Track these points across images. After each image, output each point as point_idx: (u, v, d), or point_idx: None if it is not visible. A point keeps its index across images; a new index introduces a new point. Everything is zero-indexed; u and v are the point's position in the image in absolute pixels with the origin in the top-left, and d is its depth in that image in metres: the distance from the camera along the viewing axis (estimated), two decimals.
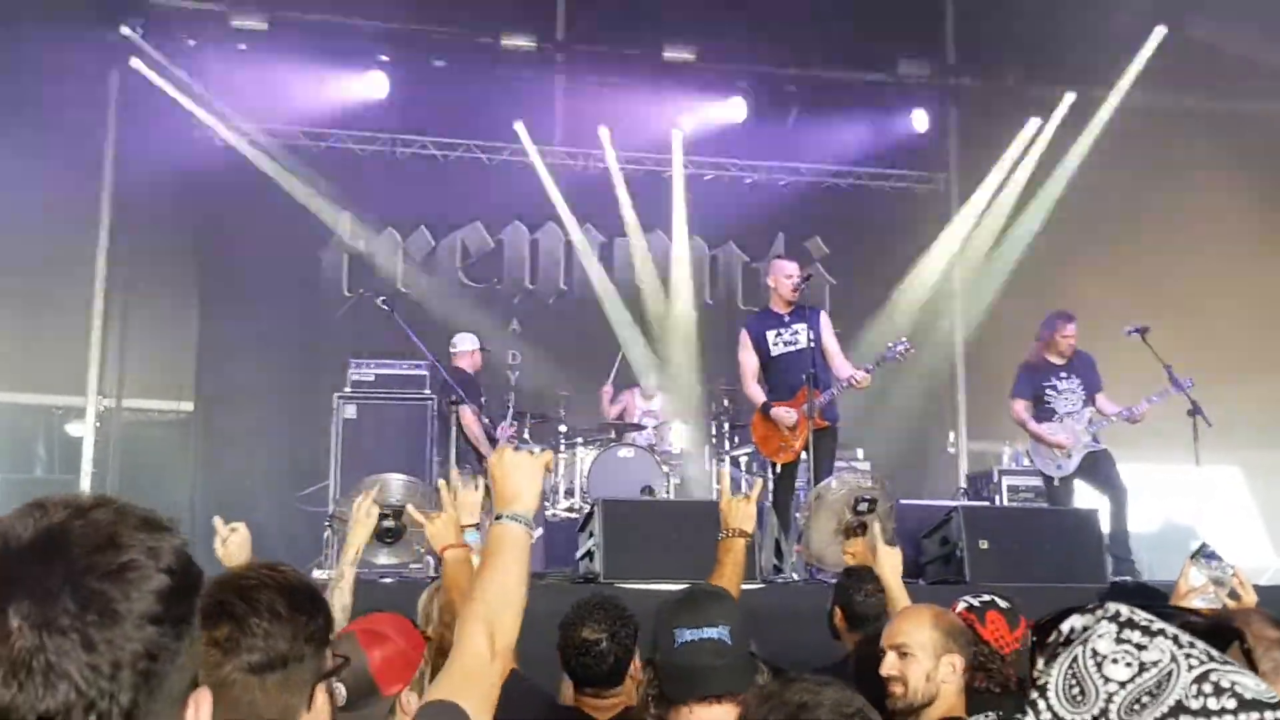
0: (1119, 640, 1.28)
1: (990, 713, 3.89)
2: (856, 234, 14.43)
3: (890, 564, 4.22)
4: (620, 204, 14.10)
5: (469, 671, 2.07)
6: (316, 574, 7.60)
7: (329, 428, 9.93)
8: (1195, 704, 1.21)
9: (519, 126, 13.62)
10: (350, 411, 9.79)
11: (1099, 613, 1.31)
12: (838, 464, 9.82)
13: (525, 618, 4.59)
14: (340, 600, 4.02)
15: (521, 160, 13.85)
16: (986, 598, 4.16)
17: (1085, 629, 1.31)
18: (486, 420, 10.24)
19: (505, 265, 13.95)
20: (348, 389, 9.97)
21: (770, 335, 8.20)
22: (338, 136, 13.49)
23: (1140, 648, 1.27)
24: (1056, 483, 8.86)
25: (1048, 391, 8.97)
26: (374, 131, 13.54)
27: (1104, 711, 1.25)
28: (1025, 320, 13.80)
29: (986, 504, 9.83)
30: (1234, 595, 3.51)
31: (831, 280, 14.42)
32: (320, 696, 1.94)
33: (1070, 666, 1.30)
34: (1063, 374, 8.99)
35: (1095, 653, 1.29)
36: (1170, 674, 1.24)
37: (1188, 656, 1.25)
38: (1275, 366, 13.66)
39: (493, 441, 10.24)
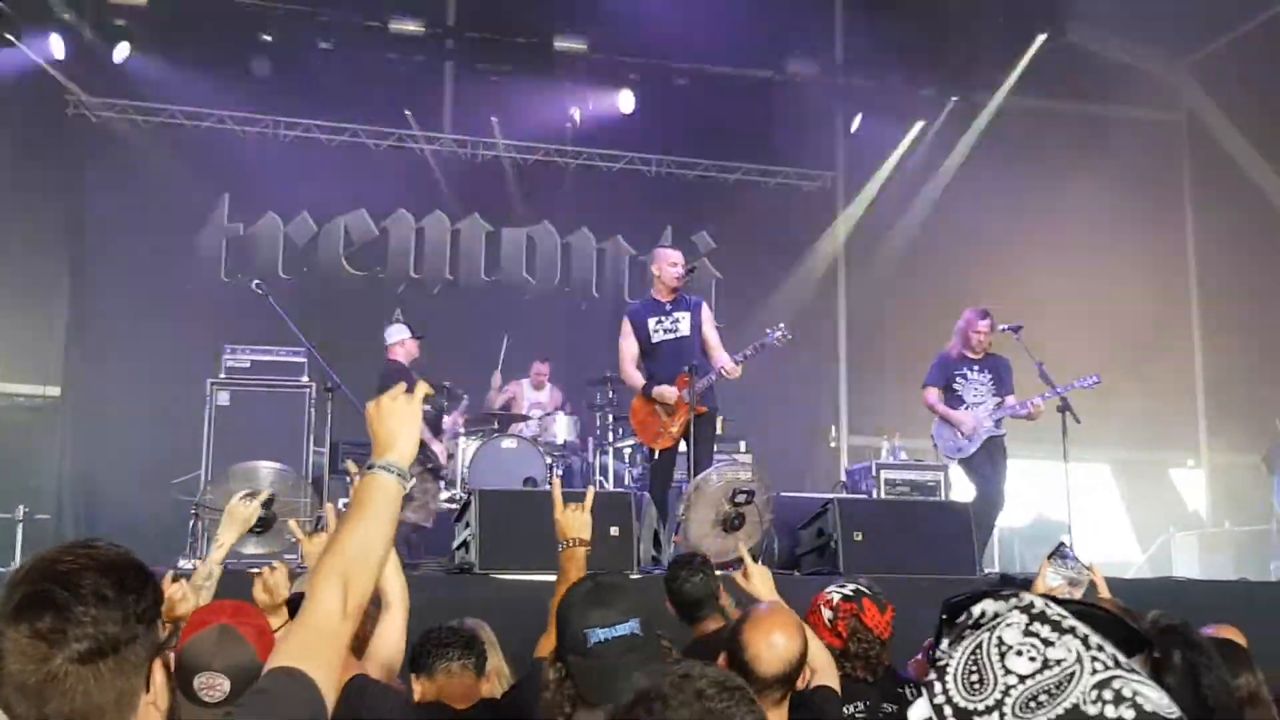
0: (1026, 632, 1.26)
1: (859, 702, 3.90)
2: (744, 229, 14.50)
3: (763, 585, 4.19)
4: (509, 194, 14.03)
5: (318, 631, 1.96)
6: (182, 564, 7.41)
7: (202, 414, 9.71)
8: (1093, 710, 1.19)
9: (407, 113, 13.45)
10: (224, 398, 9.57)
11: (1012, 601, 1.28)
12: (719, 456, 9.88)
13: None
14: (204, 599, 3.87)
15: (409, 147, 13.71)
16: (852, 588, 4.17)
17: (995, 616, 1.29)
18: (428, 408, 9.89)
19: (389, 253, 13.79)
20: (222, 375, 9.75)
21: (651, 322, 8.17)
22: (218, 117, 13.19)
23: (1047, 643, 1.25)
24: (956, 464, 9.06)
25: (957, 379, 9.11)
26: (256, 113, 13.26)
27: (999, 703, 1.23)
28: (908, 319, 14.12)
29: (862, 496, 9.95)
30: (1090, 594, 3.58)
31: (718, 274, 14.48)
32: (159, 674, 1.86)
33: (973, 653, 1.27)
34: (975, 367, 9.14)
35: (1001, 641, 1.26)
36: (1072, 675, 1.22)
37: (1094, 659, 1.22)
38: (1142, 367, 14.05)
39: (438, 432, 10.08)
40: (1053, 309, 12.75)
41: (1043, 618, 1.27)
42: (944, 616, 1.38)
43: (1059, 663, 1.23)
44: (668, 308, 8.21)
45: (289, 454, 8.79)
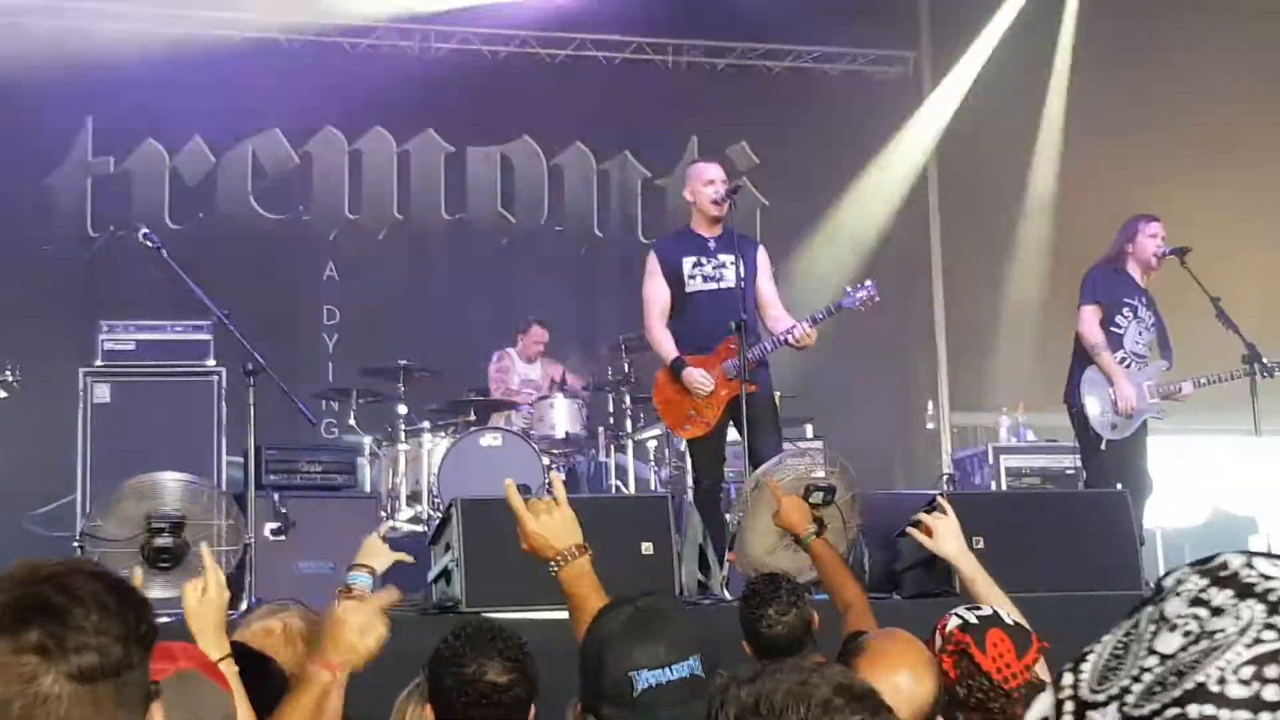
0: (1195, 600, 1.22)
1: None
2: (797, 137, 14.53)
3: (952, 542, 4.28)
4: (472, 100, 14.08)
5: None
6: None
7: (73, 417, 9.75)
8: (1237, 690, 1.14)
9: None
10: (103, 393, 9.60)
11: (1205, 565, 1.25)
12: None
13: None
14: None
15: (334, 40, 13.74)
16: (987, 611, 4.19)
17: (1170, 587, 1.25)
18: None
19: (315, 187, 13.85)
20: (98, 362, 9.79)
21: (688, 264, 8.16)
22: (74, 10, 13.21)
23: (1216, 612, 1.20)
24: (1104, 446, 8.96)
25: (1124, 311, 8.98)
26: (125, 2, 13.28)
27: (1123, 692, 1.21)
28: (1032, 248, 14.10)
29: (981, 491, 10.00)
30: None
31: (763, 200, 14.49)
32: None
33: (1127, 633, 1.26)
34: (1144, 298, 9.04)
35: (1161, 616, 1.24)
36: (1218, 649, 1.18)
37: (1268, 627, 1.17)
38: None
39: None
40: (1222, 227, 12.69)
41: (1229, 581, 1.22)
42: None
43: (1214, 634, 1.19)
44: (710, 245, 8.20)
45: (196, 462, 8.83)
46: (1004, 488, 10.20)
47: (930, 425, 14.68)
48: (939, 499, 4.54)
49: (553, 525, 3.64)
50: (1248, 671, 1.14)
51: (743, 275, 8.08)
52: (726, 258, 8.13)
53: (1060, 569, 7.48)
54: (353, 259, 13.68)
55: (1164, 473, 9.68)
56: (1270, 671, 1.13)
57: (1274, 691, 1.13)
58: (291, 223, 13.74)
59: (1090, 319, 8.98)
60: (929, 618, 4.74)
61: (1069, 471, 10.38)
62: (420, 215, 14.02)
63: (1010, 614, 4.15)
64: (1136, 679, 1.21)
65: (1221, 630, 1.18)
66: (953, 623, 4.08)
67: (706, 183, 8.19)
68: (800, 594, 4.98)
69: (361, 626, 3.23)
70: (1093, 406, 8.94)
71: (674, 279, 8.20)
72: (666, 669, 2.87)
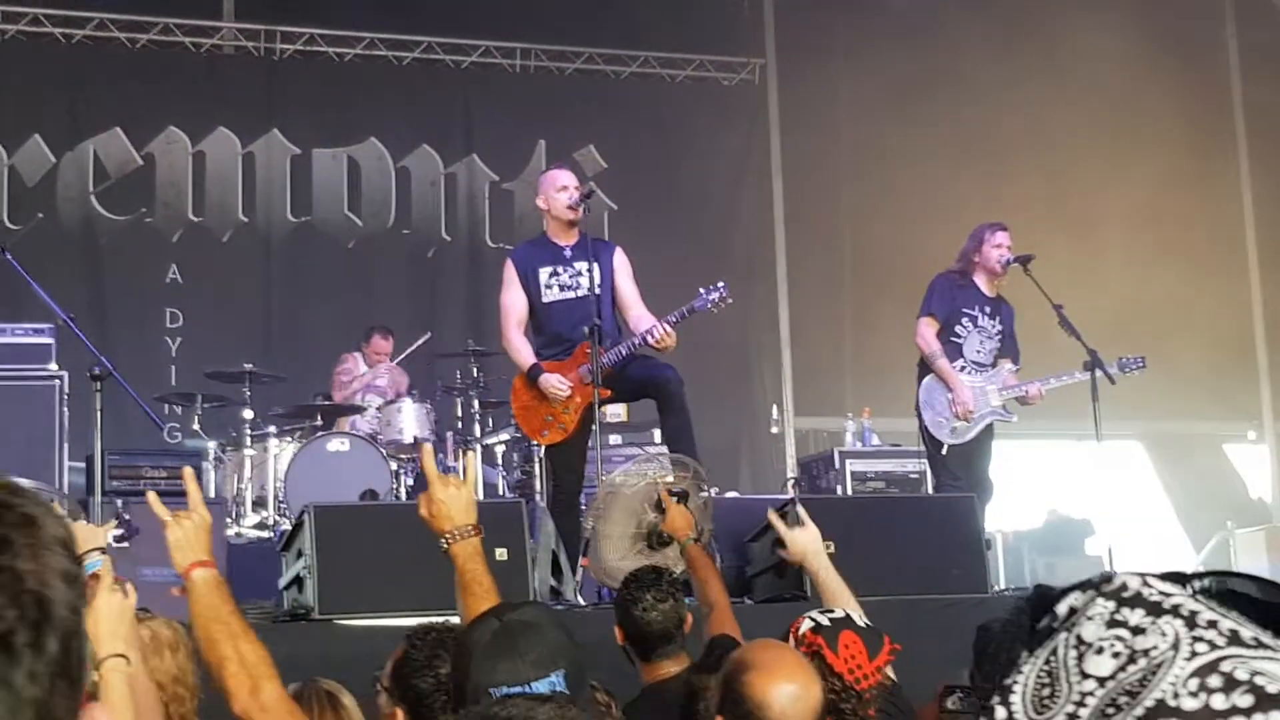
0: (1111, 623, 1.26)
1: None
2: (644, 142, 14.60)
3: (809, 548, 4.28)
4: (318, 102, 14.02)
5: None
6: None
7: None
8: (1190, 703, 1.18)
9: None
10: None
11: (1104, 587, 1.28)
12: (630, 449, 10.00)
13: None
14: None
15: (177, 41, 13.58)
16: (839, 613, 4.25)
17: (1075, 611, 1.29)
18: None
19: (158, 188, 13.63)
20: None
21: (544, 274, 8.17)
22: None
23: (1137, 631, 1.24)
24: (944, 450, 9.11)
25: (964, 321, 9.13)
26: None
27: (1072, 717, 1.24)
28: (875, 256, 14.25)
29: (831, 495, 10.10)
30: None
31: (612, 205, 14.52)
32: None
33: (1047, 661, 1.28)
34: (988, 307, 9.18)
35: (1079, 640, 1.27)
36: (1161, 666, 1.22)
37: (1196, 641, 1.22)
38: (1183, 310, 14.32)
39: None
40: (1066, 232, 12.94)
41: (1136, 601, 1.26)
42: (1027, 621, 1.39)
43: (1147, 653, 1.23)
44: (567, 254, 8.21)
45: (36, 468, 8.66)
46: (849, 491, 10.30)
47: (775, 429, 14.78)
48: (797, 508, 4.58)
49: (457, 499, 3.72)
50: (1194, 684, 1.18)
51: (599, 281, 8.11)
52: (582, 265, 8.16)
53: (910, 572, 7.58)
54: (197, 261, 13.50)
55: (1003, 477, 9.88)
56: (1213, 681, 1.17)
57: (1220, 700, 1.17)
58: (134, 224, 13.53)
59: (925, 330, 9.19)
60: (780, 622, 4.79)
61: (913, 476, 10.52)
62: (265, 218, 13.88)
63: (860, 616, 4.23)
64: (1080, 703, 1.24)
65: (1154, 647, 1.22)
66: (805, 625, 4.12)
67: (560, 189, 8.18)
68: (680, 590, 5.05)
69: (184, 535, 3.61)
70: (931, 413, 9.15)
71: (531, 289, 8.22)
72: (526, 686, 2.87)
